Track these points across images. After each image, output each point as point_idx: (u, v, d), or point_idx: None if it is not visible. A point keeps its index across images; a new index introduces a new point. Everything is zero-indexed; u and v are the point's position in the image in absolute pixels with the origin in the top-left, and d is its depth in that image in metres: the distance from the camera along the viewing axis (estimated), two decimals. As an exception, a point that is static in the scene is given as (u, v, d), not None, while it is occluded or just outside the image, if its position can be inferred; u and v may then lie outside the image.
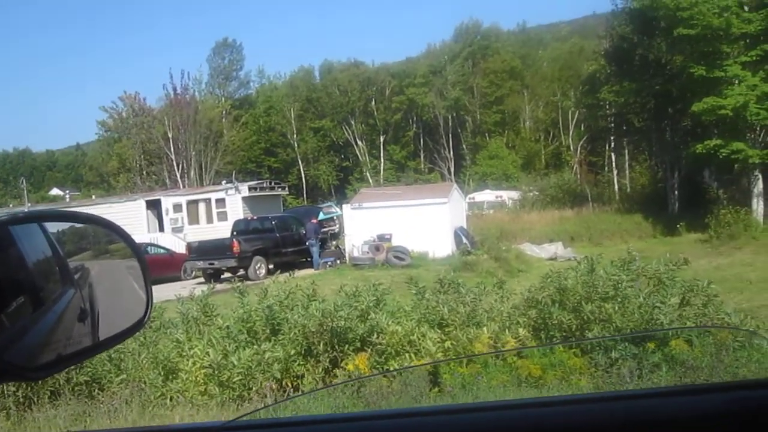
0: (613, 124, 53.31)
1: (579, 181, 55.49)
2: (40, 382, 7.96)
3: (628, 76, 42.94)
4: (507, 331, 8.59)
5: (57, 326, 1.48)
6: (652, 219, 39.10)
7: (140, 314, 1.57)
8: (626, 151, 57.70)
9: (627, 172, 58.04)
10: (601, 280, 8.82)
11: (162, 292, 15.73)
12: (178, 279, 27.27)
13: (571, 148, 67.90)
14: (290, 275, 12.44)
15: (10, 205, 52.05)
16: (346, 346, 8.66)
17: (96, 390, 8.43)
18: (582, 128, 66.63)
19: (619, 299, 8.58)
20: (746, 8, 33.13)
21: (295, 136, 73.11)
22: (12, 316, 1.30)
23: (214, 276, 26.14)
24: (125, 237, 1.61)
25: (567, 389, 7.07)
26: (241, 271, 25.88)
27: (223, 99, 74.20)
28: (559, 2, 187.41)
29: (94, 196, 57.50)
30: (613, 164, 59.39)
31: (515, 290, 10.78)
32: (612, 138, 57.23)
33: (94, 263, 1.81)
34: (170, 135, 61.92)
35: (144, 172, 64.83)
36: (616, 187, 56.06)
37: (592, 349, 8.05)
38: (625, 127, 50.77)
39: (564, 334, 8.57)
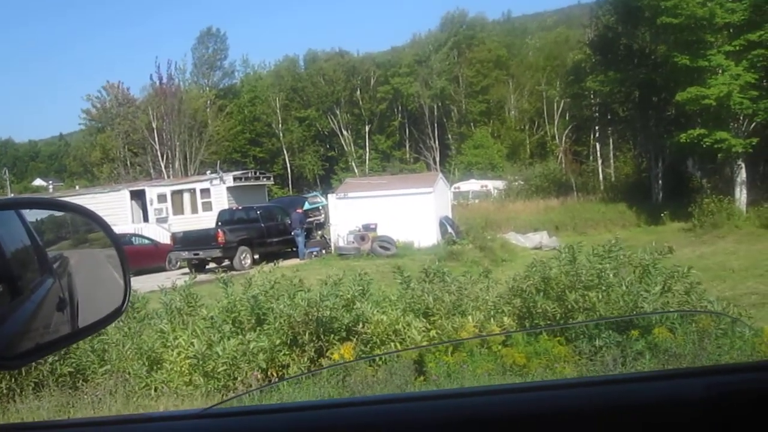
0: (597, 114, 53.41)
1: (564, 170, 55.64)
2: (23, 373, 7.93)
3: (612, 65, 43.02)
4: (492, 320, 8.62)
5: (35, 315, 1.46)
6: (636, 208, 39.32)
7: (118, 302, 1.56)
8: (611, 141, 57.83)
9: (611, 161, 58.25)
10: (585, 269, 8.86)
11: (146, 283, 15.68)
12: (162, 270, 27.17)
13: (556, 137, 68.05)
14: (275, 265, 12.41)
15: (-7, 196, 51.61)
16: (332, 335, 8.67)
17: (80, 381, 8.39)
18: (567, 118, 66.76)
19: (603, 288, 8.62)
20: (730, -2, 33.24)
21: (280, 125, 72.87)
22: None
23: (198, 266, 26.06)
24: (103, 225, 1.60)
25: (551, 377, 7.11)
26: (226, 262, 25.79)
27: (207, 89, 73.84)
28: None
29: (77, 187, 57.11)
30: (598, 154, 59.57)
31: (500, 279, 10.82)
32: (596, 128, 57.34)
33: (74, 252, 1.80)
34: (154, 125, 61.69)
35: (128, 163, 64.58)
36: (601, 176, 56.24)
37: (576, 338, 8.10)
38: (609, 117, 50.85)
39: (548, 322, 8.61)
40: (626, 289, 8.48)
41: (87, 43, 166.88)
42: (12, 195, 41.18)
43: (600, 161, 58.75)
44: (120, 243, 1.60)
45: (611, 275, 8.82)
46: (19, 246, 1.52)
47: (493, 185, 51.94)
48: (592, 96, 51.09)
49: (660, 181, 42.50)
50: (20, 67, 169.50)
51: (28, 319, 1.44)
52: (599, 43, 46.15)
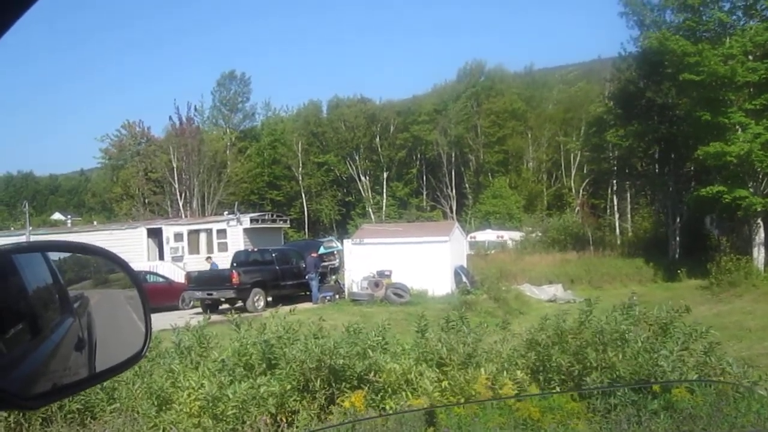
0: (616, 167, 53.41)
1: (581, 223, 55.59)
2: (32, 409, 7.89)
3: (633, 119, 43.19)
4: (505, 372, 8.52)
5: (54, 355, 1.46)
6: (653, 264, 39.11)
7: (138, 347, 1.56)
8: (628, 195, 57.79)
9: (629, 215, 58.07)
10: (604, 325, 8.74)
11: (159, 322, 15.66)
12: (176, 308, 27.20)
13: (573, 190, 68.10)
14: (291, 311, 12.36)
15: (11, 228, 52.04)
16: (343, 383, 8.59)
17: (88, 418, 8.33)
18: (584, 171, 66.91)
19: (620, 344, 8.51)
20: (751, 57, 33.39)
21: (300, 169, 73.33)
22: (9, 343, 1.29)
23: (212, 306, 26.06)
24: (128, 270, 1.60)
25: (564, 433, 6.99)
26: (240, 303, 25.78)
27: (228, 130, 74.57)
28: (566, 46, 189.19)
29: (95, 222, 57.62)
30: (615, 208, 59.49)
31: (515, 331, 10.71)
32: (615, 181, 57.35)
33: (94, 292, 1.80)
34: (174, 164, 62.19)
35: (146, 200, 65.03)
36: (618, 230, 56.09)
37: (591, 395, 7.97)
38: (627, 171, 50.84)
39: (563, 377, 8.49)
40: (643, 346, 8.37)
41: (109, 80, 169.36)
42: (30, 228, 41.49)
43: (617, 215, 58.64)
44: (143, 287, 1.61)
45: (629, 332, 8.72)
46: (41, 285, 1.53)
47: (509, 236, 51.87)
48: (611, 149, 51.17)
49: (677, 238, 42.30)
50: (44, 102, 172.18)
51: (47, 359, 1.43)
52: (621, 96, 46.41)
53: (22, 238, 38.03)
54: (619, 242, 50.52)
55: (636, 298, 10.53)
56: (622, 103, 45.46)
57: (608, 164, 54.76)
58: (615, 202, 59.64)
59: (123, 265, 1.60)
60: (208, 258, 33.55)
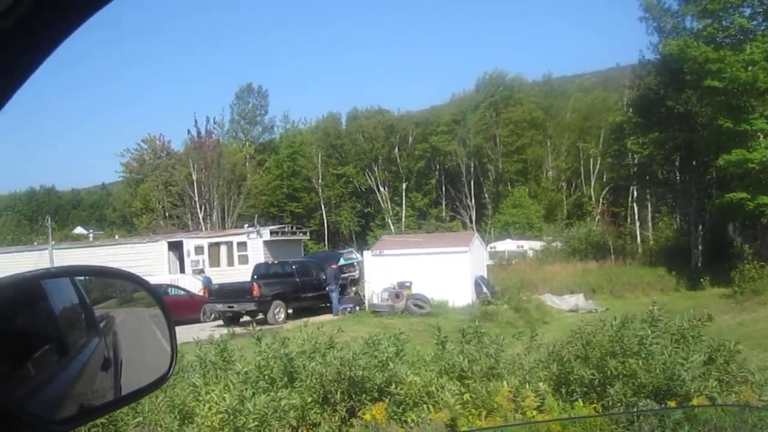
0: (636, 176, 53.01)
1: (601, 232, 55.14)
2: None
3: (653, 127, 42.87)
4: (528, 385, 8.49)
5: (81, 375, 1.49)
6: (675, 272, 38.81)
7: (164, 368, 1.58)
8: (649, 203, 57.36)
9: (650, 224, 57.60)
10: (627, 335, 8.68)
11: (182, 335, 15.73)
12: (197, 321, 27.29)
13: (593, 198, 67.76)
14: (308, 326, 12.38)
15: (34, 243, 52.54)
16: (364, 395, 8.59)
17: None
18: (604, 179, 66.53)
19: (643, 355, 8.45)
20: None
21: (320, 181, 73.54)
22: (37, 365, 1.32)
23: (233, 319, 26.15)
24: (154, 293, 1.64)
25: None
26: (261, 315, 25.83)
27: (246, 143, 74.95)
28: (584, 54, 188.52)
29: (116, 236, 58.05)
30: (636, 216, 59.01)
31: (540, 341, 10.64)
32: (635, 189, 56.97)
33: (120, 311, 1.84)
34: (194, 177, 62.56)
35: (167, 214, 65.43)
36: (639, 239, 55.63)
37: (613, 405, 7.94)
38: (648, 178, 50.46)
39: (585, 389, 8.44)
40: (667, 357, 8.31)
41: (130, 94, 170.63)
42: (53, 242, 41.85)
43: (638, 224, 58.14)
44: (168, 308, 1.63)
45: (651, 342, 8.66)
46: (68, 306, 1.56)
47: (530, 245, 51.64)
48: (631, 157, 50.84)
49: (700, 246, 41.93)
50: (65, 116, 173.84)
51: (74, 380, 1.46)
52: (640, 104, 46.15)
53: (45, 253, 38.37)
54: (640, 251, 50.03)
55: (658, 307, 10.40)
56: (642, 110, 45.19)
57: (628, 172, 54.31)
58: (636, 211, 59.15)
59: (148, 288, 1.64)
60: (201, 271, 33.80)
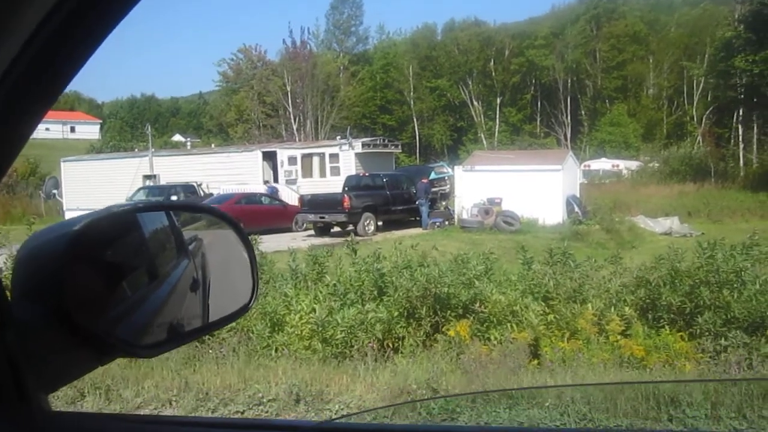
0: (743, 96, 50.51)
1: (702, 154, 53.12)
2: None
3: (765, 44, 40.60)
4: (613, 308, 8.42)
5: (169, 298, 1.56)
6: (778, 198, 37.25)
7: (246, 298, 1.64)
8: (755, 125, 54.76)
9: (755, 147, 55.10)
10: (720, 263, 8.43)
11: (274, 243, 16.17)
12: (289, 230, 27.95)
13: (695, 118, 65.22)
14: (401, 240, 12.52)
15: (135, 150, 54.24)
16: (449, 311, 8.70)
17: (207, 336, 8.76)
18: (708, 98, 63.74)
19: (737, 285, 8.21)
20: None
21: (411, 93, 73.04)
22: (128, 290, 1.39)
23: (323, 230, 26.66)
24: (238, 229, 1.69)
25: (671, 374, 6.90)
26: (350, 227, 26.20)
27: (341, 54, 74.77)
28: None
29: (213, 145, 59.34)
30: (740, 138, 56.49)
31: (627, 266, 10.47)
32: (741, 110, 54.43)
33: (207, 233, 1.90)
34: (288, 88, 62.97)
35: (261, 124, 66.35)
36: (742, 162, 53.39)
37: (701, 334, 7.80)
38: (756, 100, 48.05)
39: (673, 316, 8.31)
40: (760, 288, 8.07)
41: (228, 4, 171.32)
42: (153, 149, 43.11)
43: (742, 146, 55.69)
44: (251, 244, 1.69)
45: (746, 272, 8.40)
46: (159, 231, 1.63)
47: (625, 165, 50.36)
48: (738, 76, 48.39)
49: (807, 171, 40.06)
50: (164, 28, 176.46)
51: (163, 303, 1.53)
52: (753, 19, 43.62)
53: (145, 159, 39.61)
54: (742, 174, 48.12)
55: (757, 235, 10.04)
56: (754, 26, 42.75)
57: (735, 92, 51.76)
58: (740, 132, 56.59)
59: (234, 225, 1.69)
60: (266, 182, 34.36)
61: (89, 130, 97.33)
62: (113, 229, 1.37)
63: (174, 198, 31.75)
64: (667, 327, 8.12)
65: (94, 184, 38.18)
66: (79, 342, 1.17)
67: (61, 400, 6.39)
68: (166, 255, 1.65)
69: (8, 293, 1.16)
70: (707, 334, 7.74)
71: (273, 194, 31.57)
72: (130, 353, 1.34)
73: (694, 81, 64.90)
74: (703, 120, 63.76)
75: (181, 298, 1.61)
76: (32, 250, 1.20)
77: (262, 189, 32.87)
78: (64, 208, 39.31)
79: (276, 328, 8.77)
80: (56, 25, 0.96)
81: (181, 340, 1.56)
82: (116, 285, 1.34)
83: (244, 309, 1.62)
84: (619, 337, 7.88)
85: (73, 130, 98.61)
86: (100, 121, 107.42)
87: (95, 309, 1.22)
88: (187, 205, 2.05)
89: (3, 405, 1.13)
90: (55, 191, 40.08)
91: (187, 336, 1.57)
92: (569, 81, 69.00)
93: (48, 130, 74.25)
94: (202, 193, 33.40)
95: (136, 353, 1.40)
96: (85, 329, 1.16)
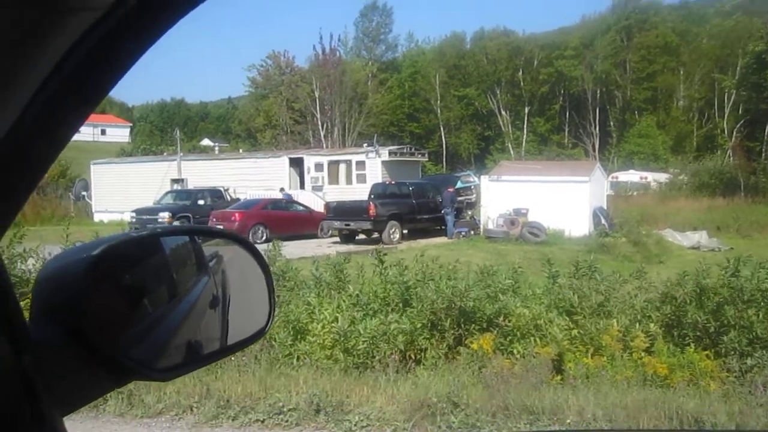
0: (775, 109, 49.96)
1: (733, 167, 52.51)
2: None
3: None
4: (638, 324, 8.33)
5: (189, 317, 1.55)
6: (812, 214, 36.66)
7: (263, 321, 1.63)
8: (788, 139, 54.11)
9: (787, 161, 54.33)
10: (744, 283, 8.29)
11: (299, 249, 16.23)
12: (314, 236, 28.02)
13: (726, 131, 64.53)
14: (425, 250, 12.49)
15: (164, 153, 54.64)
16: (472, 325, 8.65)
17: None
18: (739, 111, 63.05)
19: (764, 304, 8.08)
20: None
21: (438, 102, 73.04)
22: (147, 310, 1.39)
23: (348, 237, 26.72)
24: (257, 255, 1.68)
25: (695, 393, 6.80)
26: (376, 234, 26.21)
27: (369, 62, 74.96)
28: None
29: (241, 150, 59.69)
30: (772, 152, 55.87)
31: (653, 281, 10.34)
32: (773, 123, 53.81)
33: (227, 249, 1.89)
34: (317, 94, 63.20)
35: (289, 130, 66.65)
36: (774, 176, 52.61)
37: (727, 353, 7.68)
38: (789, 113, 47.50)
39: (698, 334, 8.20)
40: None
41: (258, 9, 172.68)
42: (181, 153, 43.42)
43: (774, 160, 54.99)
44: (269, 269, 1.68)
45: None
46: (181, 249, 1.62)
47: (654, 177, 49.91)
48: (770, 89, 47.86)
49: (840, 187, 39.51)
50: (195, 33, 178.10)
51: (181, 323, 1.52)
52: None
53: (174, 164, 39.90)
54: (774, 189, 47.45)
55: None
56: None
57: (767, 105, 51.25)
58: (772, 146, 55.99)
59: (252, 250, 1.68)
60: (282, 189, 34.47)
61: (120, 133, 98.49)
62: (134, 252, 1.37)
63: (201, 202, 31.99)
64: (692, 345, 8.01)
65: (123, 187, 38.61)
66: (96, 364, 1.16)
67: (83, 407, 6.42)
68: (186, 272, 1.64)
69: (27, 313, 1.17)
70: (733, 353, 7.62)
71: (288, 199, 31.68)
72: (146, 376, 1.33)
73: (726, 93, 64.25)
74: (734, 133, 63.11)
75: (200, 315, 1.59)
76: (53, 272, 1.20)
77: (277, 196, 32.96)
78: (93, 210, 39.77)
79: (298, 337, 8.77)
80: (103, 32, 0.97)
81: (197, 364, 1.56)
82: (136, 306, 1.34)
83: (261, 333, 1.61)
84: (642, 354, 7.78)
85: (103, 132, 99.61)
86: (131, 125, 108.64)
87: (113, 331, 1.21)
88: (209, 231, 2.06)
89: (17, 426, 1.13)
90: (84, 193, 40.59)
91: (203, 360, 1.56)
92: (598, 92, 68.66)
93: (79, 132, 74.90)
94: (228, 198, 33.64)
95: (152, 376, 1.39)
96: (102, 351, 1.16)
